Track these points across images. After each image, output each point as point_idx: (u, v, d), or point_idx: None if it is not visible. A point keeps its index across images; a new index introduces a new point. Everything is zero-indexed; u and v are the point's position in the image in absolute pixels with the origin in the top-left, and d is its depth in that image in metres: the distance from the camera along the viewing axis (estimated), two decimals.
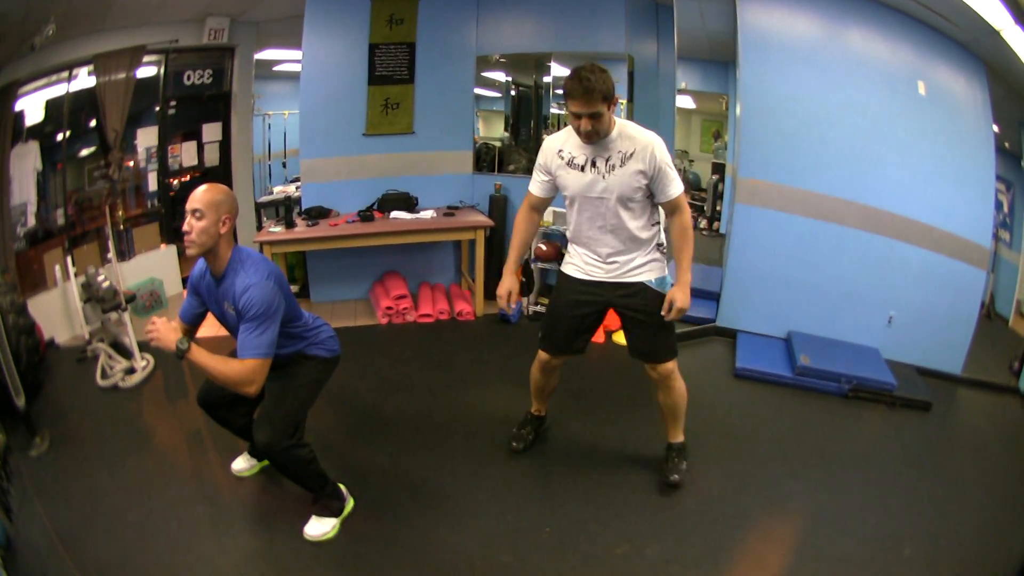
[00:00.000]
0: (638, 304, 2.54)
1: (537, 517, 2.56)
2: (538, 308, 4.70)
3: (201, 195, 2.07)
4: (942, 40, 3.68)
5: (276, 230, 4.19)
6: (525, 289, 4.63)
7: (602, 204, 2.43)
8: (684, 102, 4.50)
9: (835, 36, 3.90)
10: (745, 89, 3.99)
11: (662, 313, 2.43)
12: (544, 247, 4.58)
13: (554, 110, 4.96)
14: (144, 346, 3.70)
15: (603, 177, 2.38)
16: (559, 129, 5.02)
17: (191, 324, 2.39)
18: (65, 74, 3.95)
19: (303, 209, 4.54)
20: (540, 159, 2.55)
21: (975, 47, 3.61)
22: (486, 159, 5.04)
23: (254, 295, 2.05)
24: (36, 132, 3.89)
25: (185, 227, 2.05)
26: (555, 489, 2.76)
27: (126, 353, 3.66)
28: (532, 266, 4.63)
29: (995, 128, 3.64)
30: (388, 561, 2.33)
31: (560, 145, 2.48)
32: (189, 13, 4.34)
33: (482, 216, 4.73)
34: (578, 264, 2.61)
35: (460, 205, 4.87)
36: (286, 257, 4.36)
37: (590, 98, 2.20)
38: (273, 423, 2.25)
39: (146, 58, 4.30)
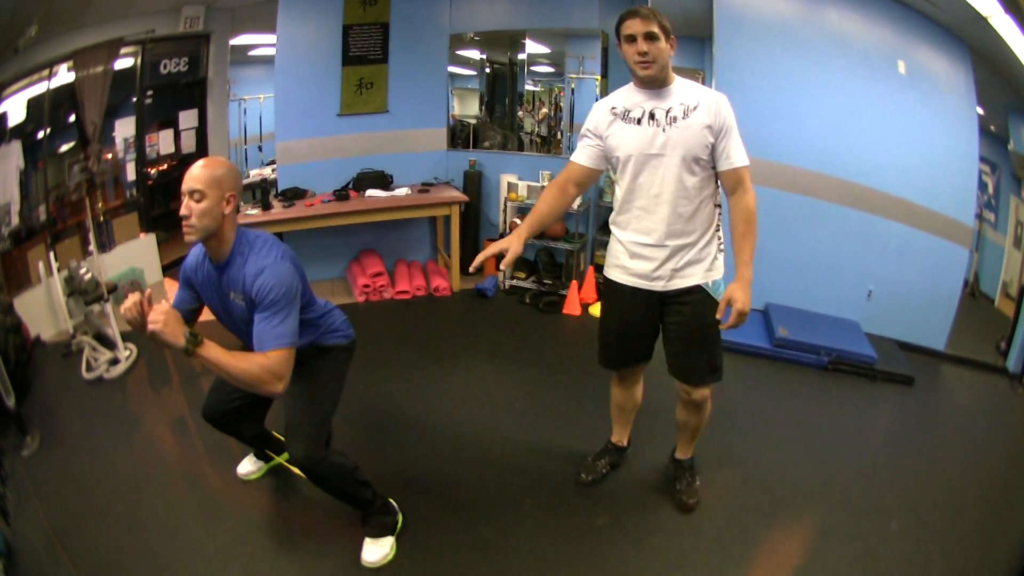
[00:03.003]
0: (687, 311, 2.18)
1: (517, 490, 2.59)
2: (514, 282, 4.73)
3: (199, 172, 1.76)
4: (923, 22, 3.65)
5: (253, 212, 4.20)
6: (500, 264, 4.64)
7: (660, 164, 2.06)
8: None
9: (812, 13, 3.89)
10: (721, 65, 3.99)
11: (717, 317, 2.05)
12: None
13: (529, 87, 4.96)
14: (127, 336, 3.71)
15: (663, 130, 2.04)
16: (534, 106, 5.06)
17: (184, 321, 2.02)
18: (45, 72, 3.92)
19: (279, 191, 4.56)
20: (588, 123, 2.18)
21: (958, 31, 3.57)
22: (461, 136, 5.04)
23: (269, 278, 1.79)
24: (18, 132, 3.87)
25: (183, 210, 1.75)
26: (535, 462, 2.78)
27: (109, 344, 3.66)
28: None
29: (979, 110, 3.61)
30: None
31: (612, 102, 2.14)
32: (165, 3, 4.33)
33: (456, 192, 4.74)
34: (624, 264, 2.23)
35: (435, 181, 4.88)
36: None
37: (646, 18, 1.95)
38: (306, 435, 1.99)
39: (123, 50, 4.27)
